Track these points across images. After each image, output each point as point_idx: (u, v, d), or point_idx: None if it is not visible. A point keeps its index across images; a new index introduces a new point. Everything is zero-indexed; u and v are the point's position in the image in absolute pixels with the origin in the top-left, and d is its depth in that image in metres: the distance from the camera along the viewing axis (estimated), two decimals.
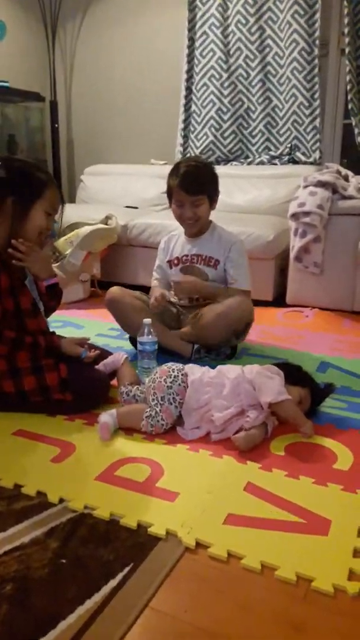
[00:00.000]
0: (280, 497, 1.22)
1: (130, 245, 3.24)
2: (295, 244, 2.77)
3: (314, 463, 1.38)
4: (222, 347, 2.10)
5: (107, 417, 1.48)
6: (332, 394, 1.69)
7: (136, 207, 3.66)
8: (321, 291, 2.80)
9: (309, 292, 2.84)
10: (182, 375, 1.51)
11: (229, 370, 1.55)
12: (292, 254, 2.80)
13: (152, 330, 1.84)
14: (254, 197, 3.53)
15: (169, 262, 2.22)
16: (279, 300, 2.95)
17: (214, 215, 2.20)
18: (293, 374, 1.60)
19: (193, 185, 2.02)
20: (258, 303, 2.90)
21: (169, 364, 1.57)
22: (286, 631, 0.89)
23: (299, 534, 1.10)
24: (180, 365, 1.56)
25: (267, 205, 3.42)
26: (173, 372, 1.52)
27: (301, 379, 1.60)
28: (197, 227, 2.13)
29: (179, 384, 1.49)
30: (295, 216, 2.74)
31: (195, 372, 1.54)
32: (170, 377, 1.51)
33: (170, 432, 1.49)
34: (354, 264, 2.68)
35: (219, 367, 1.59)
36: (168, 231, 2.43)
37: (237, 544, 1.06)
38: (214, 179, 2.10)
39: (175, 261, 2.20)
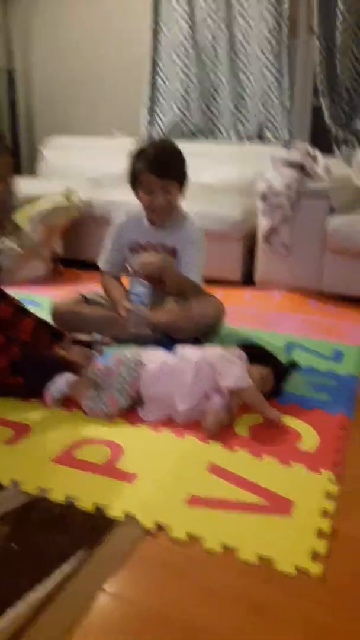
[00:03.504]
0: (243, 477, 1.18)
1: (92, 221, 3.13)
2: (264, 224, 2.72)
3: (278, 443, 1.35)
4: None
5: (60, 381, 1.43)
6: (297, 373, 1.66)
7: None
8: (289, 272, 2.78)
9: (277, 273, 2.81)
10: (136, 366, 1.45)
11: (190, 354, 1.50)
12: (260, 235, 2.76)
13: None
14: (222, 175, 3.47)
15: (131, 247, 2.05)
16: (247, 280, 2.92)
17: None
18: (255, 354, 1.56)
19: (164, 168, 1.86)
20: (226, 284, 2.87)
21: (126, 352, 1.50)
22: (248, 613, 0.86)
23: (261, 514, 1.07)
24: (136, 355, 1.48)
25: (235, 184, 3.36)
26: (128, 361, 1.45)
27: (263, 358, 1.57)
28: (167, 216, 1.96)
29: (133, 376, 1.43)
30: (263, 197, 2.69)
31: (155, 359, 1.47)
32: (125, 367, 1.44)
33: (132, 411, 1.44)
34: (321, 245, 2.66)
35: (178, 349, 1.54)
36: (123, 210, 2.14)
37: (198, 526, 1.02)
38: (184, 164, 1.95)
39: (138, 248, 2.04)
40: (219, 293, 2.73)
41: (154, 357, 1.48)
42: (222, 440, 1.33)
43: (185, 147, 3.60)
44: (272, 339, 2.11)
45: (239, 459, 1.26)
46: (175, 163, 1.92)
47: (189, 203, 2.85)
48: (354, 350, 2.05)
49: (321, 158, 2.88)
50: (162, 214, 1.95)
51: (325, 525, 1.05)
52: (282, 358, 1.68)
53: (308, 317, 2.45)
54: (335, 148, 3.52)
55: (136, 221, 2.05)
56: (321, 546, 0.99)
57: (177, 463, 1.22)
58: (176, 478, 1.17)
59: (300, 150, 2.89)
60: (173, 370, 1.45)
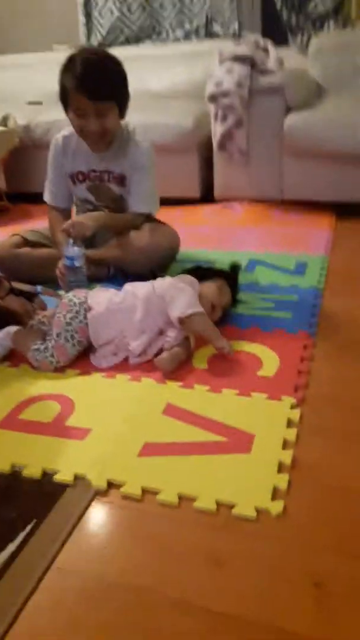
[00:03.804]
0: (201, 415, 1.13)
1: (36, 147, 2.89)
2: (217, 130, 2.53)
3: (238, 373, 1.29)
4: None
5: (1, 335, 1.35)
6: (257, 292, 1.59)
7: (40, 102, 3.26)
8: (249, 182, 2.62)
9: (237, 185, 2.65)
10: (83, 310, 1.34)
11: (138, 289, 1.40)
12: (214, 142, 2.57)
13: (78, 242, 1.62)
14: (170, 80, 3.20)
15: (72, 176, 1.85)
16: (207, 196, 2.76)
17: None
18: (206, 275, 1.48)
19: (97, 87, 1.58)
20: (184, 201, 2.71)
21: (71, 295, 1.40)
22: (209, 567, 0.82)
23: (220, 454, 1.02)
24: (82, 297, 1.37)
25: (185, 87, 3.11)
26: (74, 306, 1.35)
27: (214, 274, 1.50)
28: (103, 143, 1.72)
29: (80, 321, 1.33)
30: (213, 98, 2.47)
31: (101, 300, 1.37)
32: (71, 313, 1.34)
33: (83, 359, 1.36)
34: (279, 147, 2.49)
35: (125, 286, 1.44)
36: (60, 129, 1.88)
37: (153, 477, 0.97)
38: (123, 79, 1.65)
39: (80, 177, 1.84)
40: (177, 213, 2.61)
41: (100, 298, 1.38)
42: (180, 377, 1.27)
43: (128, 52, 3.30)
44: (233, 258, 2.00)
45: (197, 396, 1.20)
46: (110, 80, 1.61)
47: (135, 115, 2.64)
48: (317, 260, 1.96)
49: (273, 50, 2.64)
50: (97, 141, 1.72)
51: (286, 457, 1.01)
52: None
53: (271, 230, 2.34)
54: (290, 36, 3.24)
55: (75, 141, 1.80)
56: (282, 481, 0.95)
57: (132, 410, 1.16)
58: (130, 427, 1.11)
59: (249, 43, 2.64)
60: (120, 308, 1.35)
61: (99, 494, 0.95)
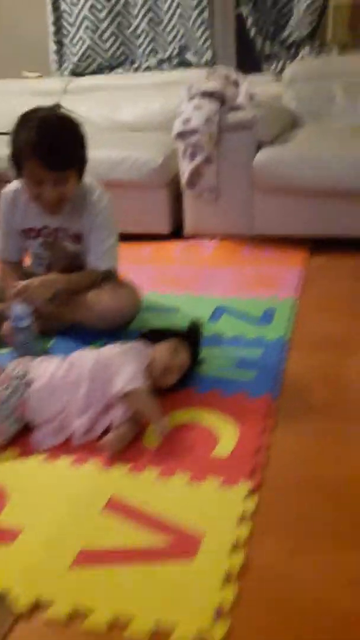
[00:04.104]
0: (146, 511, 1.03)
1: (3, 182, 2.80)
2: (185, 167, 2.46)
3: (192, 451, 1.19)
4: None
5: None
6: (220, 346, 1.52)
7: (7, 133, 3.16)
8: (219, 219, 2.54)
9: (207, 221, 2.58)
10: (24, 384, 1.25)
11: (84, 360, 1.31)
12: (183, 180, 2.49)
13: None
14: (142, 110, 3.14)
15: (23, 231, 1.73)
16: (178, 232, 2.68)
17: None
18: (161, 337, 1.41)
19: (57, 156, 1.47)
20: (154, 238, 2.64)
21: (13, 366, 1.30)
22: None
23: (163, 562, 0.92)
24: (22, 370, 1.28)
25: (158, 119, 3.04)
26: (13, 380, 1.25)
27: (169, 335, 1.42)
28: (60, 208, 1.61)
29: (19, 396, 1.23)
30: (181, 135, 2.40)
31: (43, 373, 1.27)
32: (10, 388, 1.24)
33: (26, 436, 1.26)
34: (250, 184, 2.42)
35: (70, 358, 1.34)
36: (12, 187, 1.71)
37: (85, 594, 0.87)
38: (82, 143, 1.55)
39: (32, 233, 1.73)
40: (145, 250, 2.53)
41: (42, 371, 1.28)
42: (128, 459, 1.17)
43: (99, 81, 3.25)
44: (200, 305, 1.93)
45: (145, 483, 1.10)
46: (70, 147, 1.52)
47: (103, 150, 2.57)
48: (286, 305, 1.88)
49: (244, 84, 2.58)
50: (53, 206, 1.60)
51: (235, 562, 0.91)
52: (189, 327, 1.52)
53: (241, 269, 2.26)
54: (264, 64, 3.19)
55: (27, 200, 1.65)
56: (228, 595, 0.86)
57: (71, 505, 1.06)
58: (67, 527, 1.00)
59: (220, 77, 2.58)
60: (64, 382, 1.26)
61: (22, 616, 0.84)
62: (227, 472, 1.12)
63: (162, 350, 1.35)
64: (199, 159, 2.39)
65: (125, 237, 2.46)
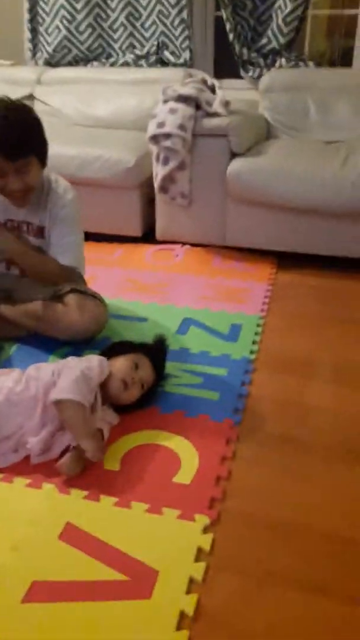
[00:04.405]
0: (103, 542, 1.01)
1: None
2: (158, 172, 2.42)
3: (152, 478, 1.18)
4: None
5: None
6: (186, 362, 1.51)
7: None
8: (191, 225, 2.52)
9: (178, 227, 2.55)
10: None
11: (40, 374, 1.28)
12: (155, 184, 2.46)
13: None
14: (118, 107, 3.07)
15: None
16: (150, 234, 2.65)
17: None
18: (121, 350, 1.39)
19: (15, 145, 1.45)
20: (125, 239, 2.60)
21: None
22: None
23: (118, 600, 0.91)
24: None
25: (133, 117, 2.98)
26: None
27: (131, 349, 1.40)
28: (27, 197, 1.59)
29: None
30: (154, 139, 2.36)
31: (2, 386, 1.24)
32: None
33: None
34: (223, 192, 2.40)
35: (29, 370, 1.31)
36: None
37: (35, 634, 0.85)
38: (39, 128, 1.53)
39: None
40: (116, 253, 2.50)
41: (0, 384, 1.24)
42: (86, 484, 1.15)
43: (75, 73, 3.16)
44: (168, 314, 1.91)
45: (101, 512, 1.08)
46: (28, 134, 1.49)
47: (75, 148, 2.51)
48: (252, 322, 1.88)
49: (220, 91, 2.55)
50: (20, 198, 1.58)
51: (189, 603, 0.90)
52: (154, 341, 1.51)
53: (210, 279, 2.24)
54: (241, 70, 3.17)
55: None
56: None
57: (25, 533, 1.03)
58: (20, 557, 0.98)
59: (195, 79, 2.55)
60: (22, 399, 1.22)
61: None
62: (186, 503, 1.11)
63: (121, 364, 1.33)
64: (172, 164, 2.36)
65: (95, 238, 2.43)
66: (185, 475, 1.19)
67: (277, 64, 3.12)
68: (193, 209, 2.48)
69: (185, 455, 1.25)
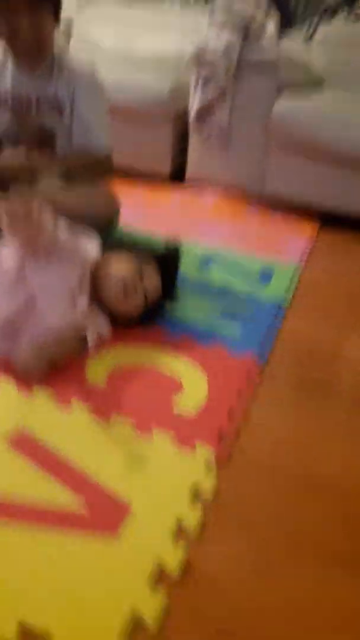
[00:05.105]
0: (64, 458, 0.73)
1: None
2: (196, 99, 2.14)
3: (144, 398, 0.90)
4: None
5: None
6: (207, 295, 1.22)
7: None
8: (226, 167, 2.23)
9: (212, 167, 2.25)
10: None
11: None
12: (192, 113, 2.18)
13: None
14: (158, 45, 2.77)
15: None
16: (178, 175, 2.36)
17: None
18: (123, 248, 1.12)
19: None
20: (152, 179, 2.32)
21: None
22: None
23: (71, 531, 0.63)
24: None
25: (173, 56, 2.69)
26: None
27: (136, 250, 1.13)
28: (39, 56, 1.36)
29: None
30: (195, 61, 2.08)
31: None
32: None
33: None
34: (265, 135, 2.11)
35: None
36: None
37: None
38: None
39: (2, 98, 1.43)
40: (141, 192, 2.21)
41: None
42: (59, 388, 0.87)
43: (119, 11, 2.87)
44: (190, 251, 1.62)
45: (71, 422, 0.81)
46: None
47: (108, 72, 2.23)
48: (288, 270, 1.58)
49: (272, 23, 2.26)
50: (31, 51, 1.34)
51: (172, 558, 0.62)
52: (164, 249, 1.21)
53: (241, 226, 1.95)
54: (296, 23, 2.88)
55: (3, 62, 1.41)
56: (152, 606, 0.57)
57: None
58: None
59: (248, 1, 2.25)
60: None
61: None
62: (185, 429, 0.83)
63: (122, 265, 1.06)
64: (212, 91, 2.08)
65: (119, 174, 2.15)
66: (189, 399, 0.91)
67: (335, 19, 2.85)
68: (230, 149, 2.19)
69: (191, 380, 0.97)
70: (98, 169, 1.46)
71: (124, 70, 2.33)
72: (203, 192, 2.26)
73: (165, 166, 2.33)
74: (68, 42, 2.75)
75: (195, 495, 0.71)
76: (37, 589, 0.56)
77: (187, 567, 0.61)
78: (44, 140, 1.45)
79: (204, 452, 0.79)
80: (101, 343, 1.01)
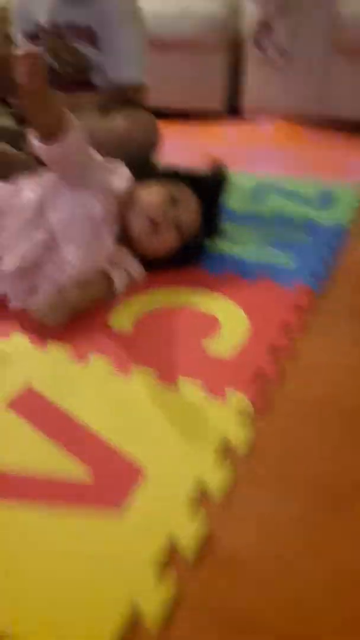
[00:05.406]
0: (71, 418, 0.63)
1: None
2: (253, 16, 1.91)
3: (174, 341, 0.78)
4: None
5: None
6: (258, 226, 1.06)
7: None
8: (285, 91, 2.00)
9: (270, 95, 2.04)
10: None
11: (39, 186, 0.89)
12: (248, 35, 1.96)
13: None
14: None
15: (30, 33, 1.34)
16: (232, 111, 2.16)
17: None
18: (154, 176, 0.98)
19: None
20: (202, 115, 2.14)
21: None
22: None
23: (74, 505, 0.52)
24: None
25: None
26: None
27: (169, 176, 0.99)
28: None
29: None
30: None
31: None
32: None
33: None
34: (328, 47, 1.85)
35: (21, 182, 0.92)
36: None
37: None
38: None
39: (40, 32, 1.33)
40: (191, 127, 2.04)
41: None
42: (75, 338, 0.77)
43: None
44: (240, 180, 1.45)
45: (84, 378, 0.70)
46: None
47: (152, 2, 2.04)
48: (350, 191, 1.38)
49: None
50: None
51: (188, 532, 0.50)
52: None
53: (300, 151, 1.74)
54: None
55: None
56: (156, 598, 0.45)
57: None
58: None
59: None
60: (3, 205, 0.85)
61: None
62: (217, 375, 0.70)
63: (152, 194, 0.93)
64: (270, 8, 1.84)
65: (166, 114, 1.97)
66: (223, 346, 0.77)
67: None
68: (290, 70, 1.96)
69: (230, 322, 0.82)
70: (131, 102, 1.33)
71: None
72: (259, 121, 2.05)
73: (216, 100, 2.14)
74: None
75: (224, 452, 0.59)
76: (21, 578, 0.46)
77: (207, 545, 0.49)
78: (79, 69, 1.34)
79: (237, 400, 0.65)
80: (131, 287, 0.90)
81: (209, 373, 0.70)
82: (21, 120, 1.36)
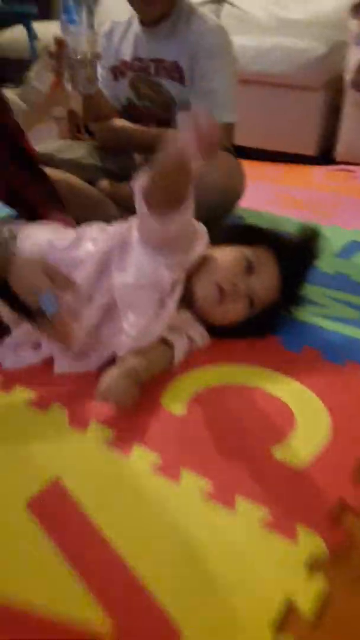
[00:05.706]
0: (101, 538, 0.51)
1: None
2: (353, 56, 1.79)
3: (234, 439, 0.64)
4: None
5: None
6: (342, 291, 0.92)
7: None
8: None
9: None
10: (10, 238, 0.75)
11: (100, 237, 0.79)
12: (348, 77, 1.83)
13: None
14: (314, 7, 2.45)
15: (114, 70, 1.29)
16: (325, 156, 2.03)
17: None
18: (231, 238, 0.86)
19: None
20: (293, 159, 2.02)
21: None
22: None
23: None
24: (9, 231, 0.77)
25: (330, 18, 2.34)
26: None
27: (249, 237, 0.86)
28: (151, 6, 1.18)
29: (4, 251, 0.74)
30: (355, 8, 1.73)
31: (38, 239, 0.77)
32: None
33: None
34: None
35: (80, 230, 0.83)
36: (110, 20, 1.33)
37: None
38: None
39: (123, 68, 1.29)
40: (277, 172, 1.92)
41: (39, 235, 0.78)
42: (120, 423, 0.65)
43: None
44: (331, 236, 1.30)
45: (120, 474, 0.58)
46: None
47: (253, 35, 1.97)
48: None
49: None
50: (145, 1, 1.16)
51: None
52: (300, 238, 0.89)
53: None
54: None
55: (123, 28, 1.28)
56: None
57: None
58: None
59: None
60: (63, 257, 0.75)
61: None
62: (286, 503, 0.55)
63: (227, 256, 0.81)
64: None
65: (255, 155, 1.87)
66: (296, 453, 0.62)
67: None
68: None
69: (308, 417, 0.68)
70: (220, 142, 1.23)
71: (271, 35, 2.05)
72: (354, 170, 1.90)
73: (309, 144, 2.01)
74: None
75: (288, 614, 0.44)
76: None
77: None
78: (161, 107, 1.27)
79: (310, 541, 0.51)
80: (190, 356, 0.78)
81: (276, 495, 0.56)
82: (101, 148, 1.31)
